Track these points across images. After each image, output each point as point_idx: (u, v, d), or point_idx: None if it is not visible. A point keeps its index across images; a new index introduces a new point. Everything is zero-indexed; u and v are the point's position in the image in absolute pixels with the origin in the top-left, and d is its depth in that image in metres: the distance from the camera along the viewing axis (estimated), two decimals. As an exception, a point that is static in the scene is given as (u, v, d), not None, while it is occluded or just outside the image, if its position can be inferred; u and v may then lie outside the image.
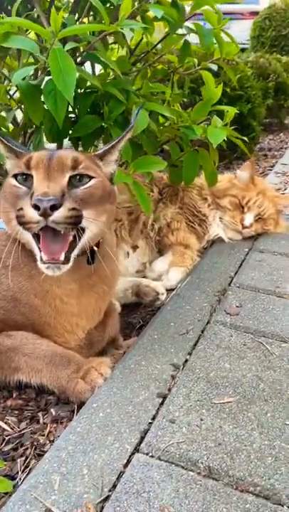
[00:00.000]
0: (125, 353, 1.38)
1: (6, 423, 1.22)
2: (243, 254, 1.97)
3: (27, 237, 1.20)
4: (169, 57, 2.18)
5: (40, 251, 1.17)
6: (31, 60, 1.60)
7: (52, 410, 1.25)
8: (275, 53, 6.31)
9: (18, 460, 1.08)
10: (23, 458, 1.09)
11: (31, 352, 1.28)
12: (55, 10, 1.25)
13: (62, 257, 1.16)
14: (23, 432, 1.19)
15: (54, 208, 1.09)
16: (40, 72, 1.38)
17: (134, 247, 1.95)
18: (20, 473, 1.05)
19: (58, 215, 1.10)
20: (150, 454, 1.01)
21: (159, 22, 2.03)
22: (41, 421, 1.22)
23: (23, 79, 1.32)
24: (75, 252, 1.21)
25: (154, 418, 1.11)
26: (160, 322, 1.49)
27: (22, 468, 1.07)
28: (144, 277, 1.90)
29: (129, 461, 0.99)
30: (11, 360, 1.29)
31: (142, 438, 1.06)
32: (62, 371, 1.27)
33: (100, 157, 1.30)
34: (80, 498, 0.91)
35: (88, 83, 1.55)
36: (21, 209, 1.15)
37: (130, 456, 1.01)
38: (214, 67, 2.11)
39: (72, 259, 1.19)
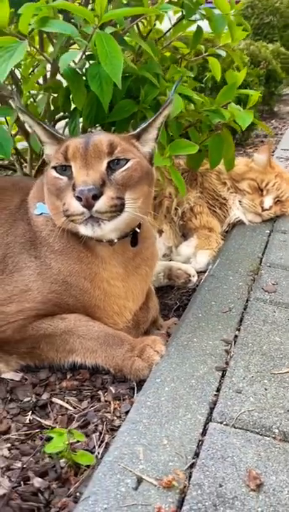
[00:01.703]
0: (174, 331, 1.41)
1: (67, 402, 1.25)
2: (266, 236, 2.02)
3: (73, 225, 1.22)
4: (176, 43, 2.20)
5: None
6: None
7: (111, 388, 1.28)
8: (260, 41, 6.37)
9: (93, 435, 1.11)
10: (97, 433, 1.12)
11: (85, 333, 1.31)
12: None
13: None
14: (86, 410, 1.22)
15: (96, 197, 1.12)
16: (80, 56, 1.38)
17: (160, 232, 1.98)
18: (97, 447, 1.08)
19: (101, 204, 1.13)
20: (224, 423, 1.05)
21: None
22: (102, 399, 1.25)
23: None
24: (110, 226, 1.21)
25: (218, 390, 1.15)
26: (201, 301, 1.52)
27: (98, 443, 1.09)
28: (171, 261, 1.93)
29: (205, 430, 1.03)
30: (66, 342, 1.31)
31: (212, 409, 1.10)
32: (116, 350, 1.30)
33: (137, 137, 1.31)
34: (166, 466, 0.95)
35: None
36: (64, 204, 1.18)
37: (205, 425, 1.05)
38: (223, 53, 2.14)
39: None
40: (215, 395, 1.14)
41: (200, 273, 1.84)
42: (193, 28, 2.05)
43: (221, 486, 0.90)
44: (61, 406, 1.24)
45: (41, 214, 1.35)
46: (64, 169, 1.19)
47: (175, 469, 0.94)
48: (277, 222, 2.14)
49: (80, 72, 1.40)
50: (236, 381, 1.17)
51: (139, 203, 1.23)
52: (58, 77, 1.61)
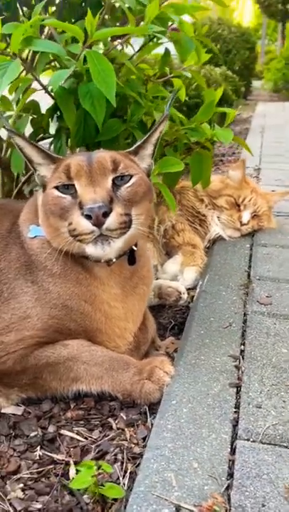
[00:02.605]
0: (179, 350, 1.38)
1: (77, 433, 1.18)
2: (248, 250, 2.04)
3: (79, 246, 1.18)
4: (141, 65, 2.23)
5: None
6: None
7: (121, 414, 1.22)
8: (207, 65, 6.62)
9: (115, 466, 1.05)
10: (118, 463, 1.06)
11: (89, 359, 1.25)
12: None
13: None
14: (99, 439, 1.15)
15: (106, 214, 1.09)
16: (67, 76, 1.36)
17: (144, 251, 1.95)
18: (121, 478, 1.02)
19: (111, 221, 1.10)
20: (251, 440, 1.02)
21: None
22: (114, 426, 1.19)
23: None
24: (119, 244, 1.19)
25: (237, 406, 1.13)
26: (200, 318, 1.51)
27: (122, 473, 1.03)
28: (158, 279, 1.91)
29: (234, 449, 1.00)
30: (69, 369, 1.25)
31: (235, 426, 1.07)
32: (123, 374, 1.25)
33: (135, 153, 1.30)
34: (202, 490, 0.91)
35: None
36: (71, 223, 1.13)
37: (232, 444, 1.02)
38: (188, 75, 2.19)
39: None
40: (235, 411, 1.11)
41: (189, 290, 1.83)
42: (159, 50, 2.09)
43: (263, 505, 0.87)
44: (71, 438, 1.17)
45: (35, 237, 1.30)
46: (66, 188, 1.15)
47: (212, 493, 0.90)
48: (256, 236, 2.17)
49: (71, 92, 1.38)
50: (254, 396, 1.15)
51: (142, 219, 1.21)
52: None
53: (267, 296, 1.62)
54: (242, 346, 1.36)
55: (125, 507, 0.94)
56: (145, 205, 1.22)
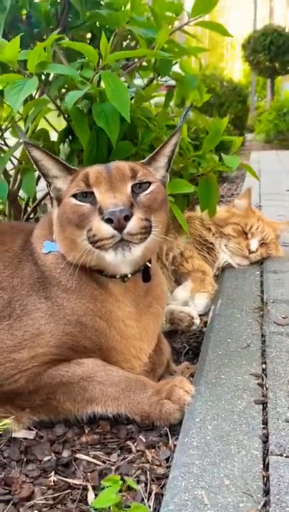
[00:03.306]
0: (198, 370, 1.32)
1: (93, 457, 1.10)
2: (258, 277, 2.02)
3: (97, 253, 1.15)
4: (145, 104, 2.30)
5: None
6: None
7: (140, 437, 1.15)
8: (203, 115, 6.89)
9: (138, 487, 0.97)
10: (142, 484, 0.98)
11: (105, 379, 1.19)
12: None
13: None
14: (118, 462, 1.08)
15: (127, 218, 1.07)
16: (81, 97, 1.39)
17: (153, 278, 1.92)
18: (146, 500, 0.94)
19: (133, 225, 1.08)
20: (285, 455, 0.96)
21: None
22: (133, 449, 1.11)
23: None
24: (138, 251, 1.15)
25: (265, 423, 1.06)
26: (216, 340, 1.45)
27: (146, 495, 0.95)
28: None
29: (267, 465, 0.93)
30: (84, 390, 1.18)
31: (265, 442, 1.00)
32: (141, 395, 1.19)
33: (148, 164, 1.28)
34: (237, 508, 0.83)
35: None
36: (90, 229, 1.11)
37: (264, 460, 0.95)
38: (190, 114, 2.25)
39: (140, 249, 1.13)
40: (263, 427, 1.05)
41: (200, 316, 1.78)
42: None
43: (307, 521, 0.79)
44: (88, 462, 1.09)
45: (49, 252, 1.27)
46: (85, 196, 1.14)
47: (249, 510, 0.82)
48: (265, 264, 2.15)
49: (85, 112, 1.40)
50: (282, 411, 1.09)
51: (160, 227, 1.19)
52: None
53: (283, 318, 1.57)
54: (263, 365, 1.30)
55: (153, 530, 0.85)
56: (163, 215, 1.21)
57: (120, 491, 0.94)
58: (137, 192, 1.15)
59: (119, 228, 1.05)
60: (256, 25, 18.17)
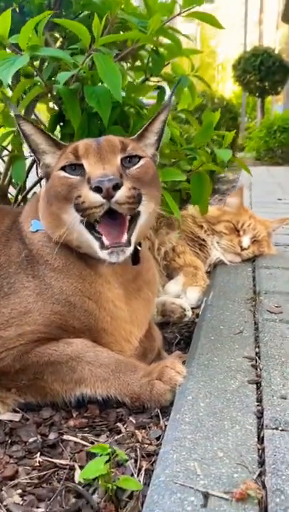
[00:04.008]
0: (190, 353, 1.29)
1: (82, 439, 1.05)
2: (250, 272, 2.00)
3: (80, 232, 1.13)
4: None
5: (99, 239, 1.10)
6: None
7: (131, 419, 1.10)
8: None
9: (128, 464, 0.92)
10: (132, 461, 0.93)
11: (94, 360, 1.15)
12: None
13: (124, 239, 1.10)
14: (106, 443, 1.03)
15: (116, 187, 1.05)
16: (73, 79, 1.38)
17: (145, 272, 1.89)
18: (136, 475, 0.89)
19: (121, 194, 1.06)
20: (280, 428, 0.92)
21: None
22: (123, 430, 1.07)
23: (64, 83, 1.31)
24: (134, 236, 1.15)
25: (259, 400, 1.03)
26: (208, 327, 1.42)
27: (136, 470, 0.91)
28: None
29: (261, 438, 0.90)
30: (73, 370, 1.14)
31: (259, 418, 0.97)
32: (131, 376, 1.15)
33: (137, 141, 1.26)
34: (230, 478, 0.80)
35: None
36: (79, 196, 1.08)
37: (259, 434, 0.91)
38: (182, 116, 2.27)
39: (132, 242, 1.13)
40: (257, 405, 1.01)
41: (192, 309, 1.75)
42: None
43: (304, 488, 0.76)
44: (76, 443, 1.04)
45: (37, 231, 1.25)
46: (74, 169, 1.12)
47: (244, 480, 0.78)
48: (257, 260, 2.14)
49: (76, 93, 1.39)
50: (277, 389, 1.05)
51: (153, 203, 1.17)
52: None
53: (276, 307, 1.55)
54: (256, 349, 1.27)
55: (142, 504, 0.81)
56: (154, 191, 1.19)
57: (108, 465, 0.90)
58: (127, 166, 1.13)
59: (108, 197, 1.03)
60: (246, 48, 18.59)
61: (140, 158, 1.16)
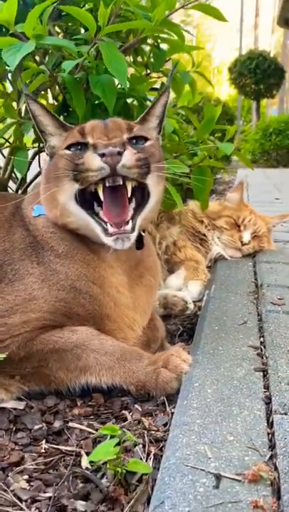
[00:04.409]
0: (194, 343, 1.28)
1: (87, 426, 1.04)
2: (251, 267, 2.00)
3: (76, 213, 1.14)
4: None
5: (100, 224, 1.10)
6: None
7: (136, 407, 1.09)
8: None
9: (136, 449, 0.91)
10: (140, 446, 0.92)
11: (99, 348, 1.15)
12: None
13: (129, 226, 1.10)
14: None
15: (120, 153, 1.05)
16: (78, 69, 1.37)
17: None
18: (144, 460, 0.89)
19: (127, 157, 1.06)
20: (289, 413, 0.91)
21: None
22: (129, 418, 1.06)
23: (69, 72, 1.31)
24: (139, 221, 1.15)
25: (266, 387, 1.02)
26: (212, 318, 1.42)
27: (144, 455, 0.90)
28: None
29: (271, 423, 0.89)
30: (78, 358, 1.13)
31: (268, 404, 0.96)
32: (137, 364, 1.14)
33: (140, 125, 1.26)
34: (242, 461, 0.79)
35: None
36: (82, 163, 1.08)
37: (268, 419, 0.91)
38: (182, 112, 2.27)
39: (137, 228, 1.13)
40: (265, 391, 1.01)
41: (194, 302, 1.74)
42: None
43: (317, 469, 0.75)
44: (81, 430, 1.03)
45: (39, 215, 1.24)
46: (79, 148, 1.12)
47: (255, 462, 0.78)
48: (257, 256, 2.14)
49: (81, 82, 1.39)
50: (284, 376, 1.05)
51: (159, 188, 1.18)
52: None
53: (279, 299, 1.55)
54: (261, 339, 1.27)
55: (152, 488, 0.80)
56: (161, 176, 1.19)
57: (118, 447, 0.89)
58: (133, 146, 1.13)
59: (113, 164, 1.03)
60: (242, 52, 18.70)
61: (146, 139, 1.16)
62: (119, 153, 1.03)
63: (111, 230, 1.09)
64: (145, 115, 1.27)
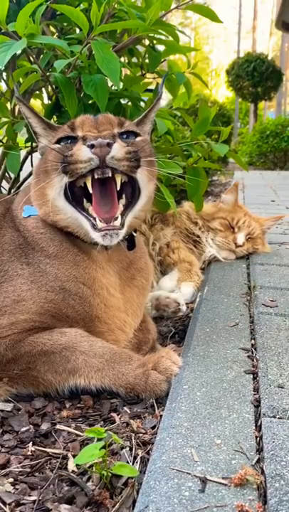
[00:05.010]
0: (185, 345, 1.27)
1: (75, 429, 1.03)
2: (245, 269, 1.99)
3: (65, 210, 1.14)
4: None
5: (89, 219, 1.10)
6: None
7: (125, 409, 1.08)
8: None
9: (123, 452, 0.90)
10: (127, 449, 0.91)
11: (88, 349, 1.13)
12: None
13: (118, 222, 1.10)
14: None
15: (110, 145, 1.04)
16: (70, 69, 1.37)
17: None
18: (131, 463, 0.87)
19: (117, 149, 1.05)
20: (278, 416, 0.91)
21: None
22: (118, 420, 1.05)
23: (61, 72, 1.30)
24: (128, 219, 1.14)
25: (256, 390, 1.01)
26: (203, 319, 1.41)
27: (131, 458, 0.89)
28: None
29: (259, 426, 0.88)
30: (67, 360, 1.12)
31: (257, 407, 0.95)
32: (126, 367, 1.13)
33: (136, 126, 1.28)
34: (228, 464, 0.78)
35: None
36: (71, 155, 1.07)
37: (256, 422, 0.90)
38: (178, 113, 2.27)
39: (126, 225, 1.12)
40: (254, 394, 1.00)
41: (187, 304, 1.73)
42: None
43: (304, 474, 0.74)
44: (69, 432, 1.02)
45: (29, 216, 1.23)
46: (69, 142, 1.11)
47: (242, 466, 0.77)
48: (251, 257, 2.13)
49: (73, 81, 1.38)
50: (274, 379, 1.04)
51: (150, 186, 1.18)
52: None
53: (271, 300, 1.54)
54: (252, 341, 1.26)
55: (138, 491, 0.79)
56: (152, 174, 1.18)
57: (104, 450, 0.87)
58: (124, 141, 1.12)
59: (102, 155, 1.02)
60: (240, 54, 18.74)
61: (137, 135, 1.16)
62: (109, 145, 1.03)
63: (100, 225, 1.09)
64: (143, 118, 1.29)
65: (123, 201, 1.14)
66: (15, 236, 1.21)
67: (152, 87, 2.07)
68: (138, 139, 1.16)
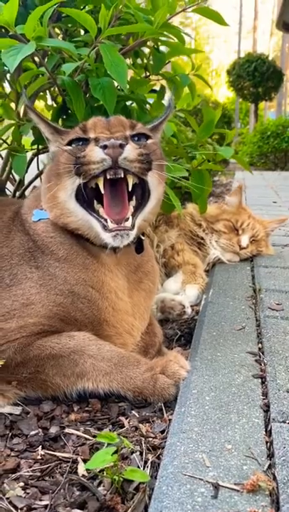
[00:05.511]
0: (192, 348, 1.27)
1: (84, 432, 1.03)
2: (249, 271, 1.99)
3: (76, 212, 1.14)
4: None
5: (100, 221, 1.10)
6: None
7: (134, 413, 1.09)
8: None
9: (133, 456, 0.91)
10: (137, 453, 0.92)
11: (96, 353, 1.14)
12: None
13: (129, 223, 1.10)
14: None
15: (122, 146, 1.05)
16: (78, 72, 1.37)
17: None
18: (142, 468, 0.88)
19: (129, 151, 1.06)
20: (288, 421, 0.91)
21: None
22: (126, 424, 1.05)
23: (69, 75, 1.30)
24: (139, 221, 1.15)
25: (265, 394, 1.02)
26: (210, 323, 1.41)
27: (142, 463, 0.89)
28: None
29: (269, 431, 0.88)
30: (75, 364, 1.12)
31: (266, 411, 0.96)
32: (134, 371, 1.13)
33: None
34: (240, 470, 0.78)
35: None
36: (83, 156, 1.07)
37: (266, 427, 0.90)
38: (182, 115, 2.27)
39: (136, 227, 1.13)
40: (263, 398, 1.00)
41: (191, 306, 1.74)
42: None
43: (316, 480, 0.74)
44: (78, 436, 1.02)
45: (39, 220, 1.23)
46: (81, 143, 1.12)
47: (254, 472, 0.77)
48: (255, 260, 2.13)
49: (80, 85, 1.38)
50: (282, 383, 1.04)
51: (160, 189, 1.18)
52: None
53: (277, 304, 1.54)
54: (259, 345, 1.27)
55: (150, 497, 0.79)
56: (162, 177, 1.19)
57: (116, 455, 0.88)
58: (135, 142, 1.13)
59: (114, 156, 1.03)
60: (240, 55, 18.75)
61: (148, 137, 1.16)
62: (121, 146, 1.04)
63: (111, 225, 1.09)
64: (158, 125, 1.30)
65: (133, 203, 1.14)
66: (24, 240, 1.22)
67: (156, 87, 2.07)
68: (149, 141, 1.17)
